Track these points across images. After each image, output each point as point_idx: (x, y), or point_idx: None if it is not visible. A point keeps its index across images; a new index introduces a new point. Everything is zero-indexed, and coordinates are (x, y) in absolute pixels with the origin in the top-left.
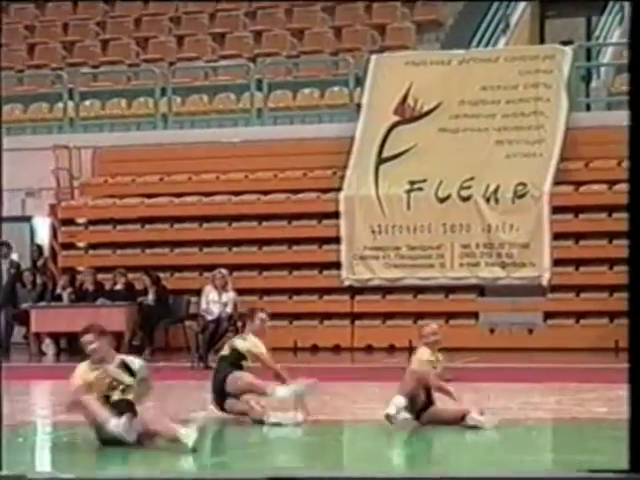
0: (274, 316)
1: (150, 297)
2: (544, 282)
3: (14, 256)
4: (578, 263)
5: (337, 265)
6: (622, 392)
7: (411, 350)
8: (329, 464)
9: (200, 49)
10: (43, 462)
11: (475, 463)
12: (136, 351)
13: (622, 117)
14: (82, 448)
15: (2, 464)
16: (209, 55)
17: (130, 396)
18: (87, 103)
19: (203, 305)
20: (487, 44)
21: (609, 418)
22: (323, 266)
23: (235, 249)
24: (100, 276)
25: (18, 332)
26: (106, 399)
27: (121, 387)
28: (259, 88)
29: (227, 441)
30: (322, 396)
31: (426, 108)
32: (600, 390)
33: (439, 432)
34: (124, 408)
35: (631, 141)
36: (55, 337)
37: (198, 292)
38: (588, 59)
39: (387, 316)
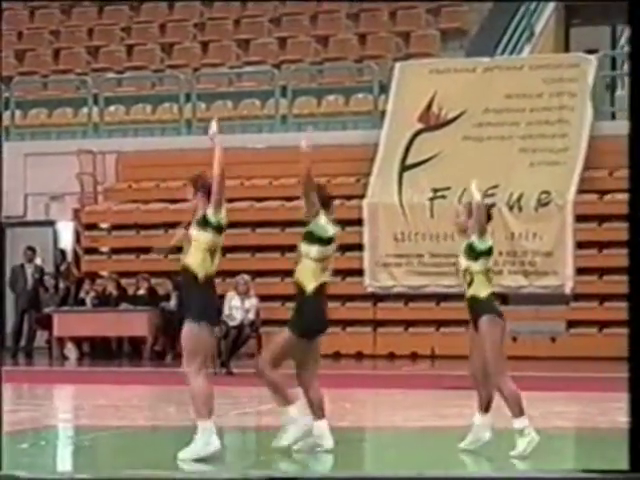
0: None
1: (172, 302)
2: (567, 291)
3: (38, 260)
4: (601, 272)
5: (360, 272)
6: None
7: (433, 357)
8: (351, 471)
9: (225, 55)
10: (65, 465)
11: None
12: (158, 356)
13: None
14: (103, 451)
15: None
16: (234, 61)
17: None
18: (111, 108)
19: (226, 311)
20: (512, 52)
21: None
22: (346, 273)
23: (258, 255)
24: (123, 281)
25: (41, 336)
26: None
27: None
28: (283, 94)
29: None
30: (344, 403)
31: (450, 116)
32: (623, 399)
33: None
34: None
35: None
36: (77, 341)
37: (221, 298)
38: (613, 68)
39: (409, 323)
